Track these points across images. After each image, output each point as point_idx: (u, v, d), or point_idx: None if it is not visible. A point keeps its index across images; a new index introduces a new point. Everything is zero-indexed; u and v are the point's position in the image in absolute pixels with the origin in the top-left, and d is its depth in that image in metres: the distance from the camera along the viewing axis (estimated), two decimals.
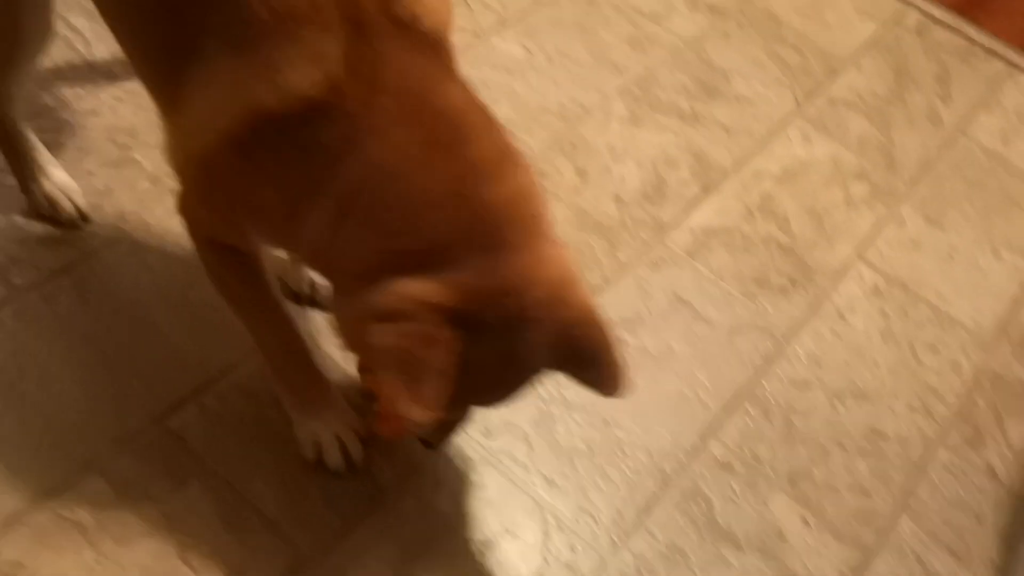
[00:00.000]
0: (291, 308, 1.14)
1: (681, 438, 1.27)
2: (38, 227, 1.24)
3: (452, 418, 1.05)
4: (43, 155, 1.24)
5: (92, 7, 1.07)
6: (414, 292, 0.86)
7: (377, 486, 1.13)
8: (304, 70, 0.87)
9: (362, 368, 1.16)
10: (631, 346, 1.34)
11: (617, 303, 1.39)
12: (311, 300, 1.24)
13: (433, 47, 0.94)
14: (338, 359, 1.20)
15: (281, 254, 1.13)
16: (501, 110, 1.58)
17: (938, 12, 1.99)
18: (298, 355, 1.09)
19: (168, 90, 0.99)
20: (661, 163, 1.59)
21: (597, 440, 1.24)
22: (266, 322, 1.08)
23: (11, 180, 1.25)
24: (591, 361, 0.95)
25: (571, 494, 1.18)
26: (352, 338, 0.96)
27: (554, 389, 1.27)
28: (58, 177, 1.24)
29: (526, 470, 1.19)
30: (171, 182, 1.32)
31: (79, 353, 1.14)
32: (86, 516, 1.02)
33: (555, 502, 1.17)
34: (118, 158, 1.34)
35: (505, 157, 0.94)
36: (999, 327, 1.52)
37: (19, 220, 1.24)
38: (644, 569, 1.14)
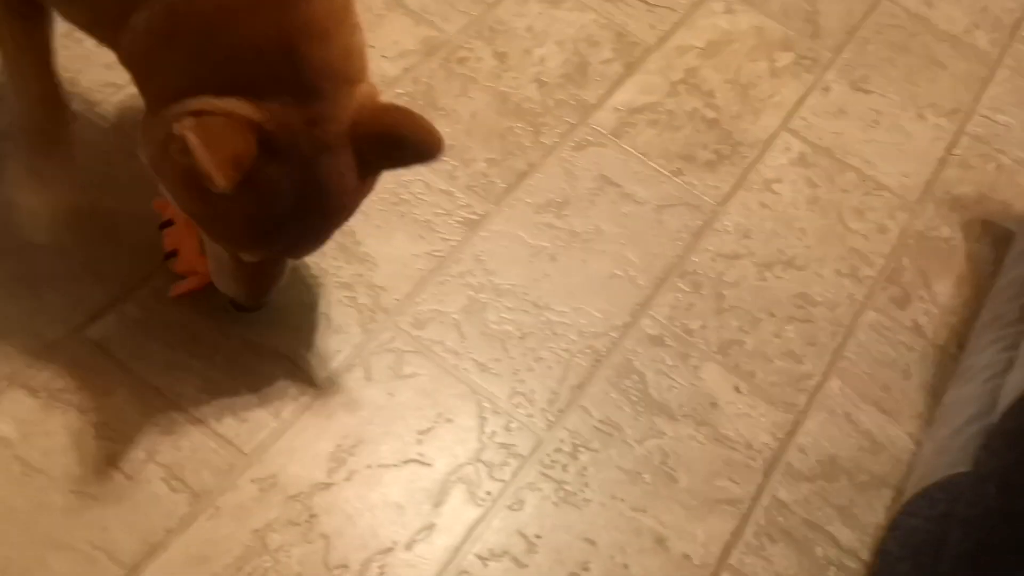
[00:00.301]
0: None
1: (613, 316, 1.28)
2: None
3: (263, 267, 1.04)
4: None
5: None
6: (221, 103, 0.89)
7: (310, 384, 1.12)
8: None
9: (163, 225, 1.15)
10: (559, 229, 1.34)
11: (543, 186, 1.37)
12: None
13: None
14: None
15: None
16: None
17: None
18: (51, 131, 1.08)
19: None
20: (582, 43, 1.56)
21: (528, 324, 1.24)
22: (27, 78, 1.08)
23: None
24: (400, 140, 0.97)
25: (505, 378, 1.19)
26: (153, 149, 0.97)
27: (484, 277, 1.26)
28: None
29: (459, 357, 1.19)
30: (72, 89, 1.27)
31: None
32: (10, 430, 1.01)
33: (489, 386, 1.18)
34: None
35: (338, 20, 0.94)
36: (924, 189, 1.54)
37: None
38: (580, 444, 1.16)
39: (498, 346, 1.21)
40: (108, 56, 1.33)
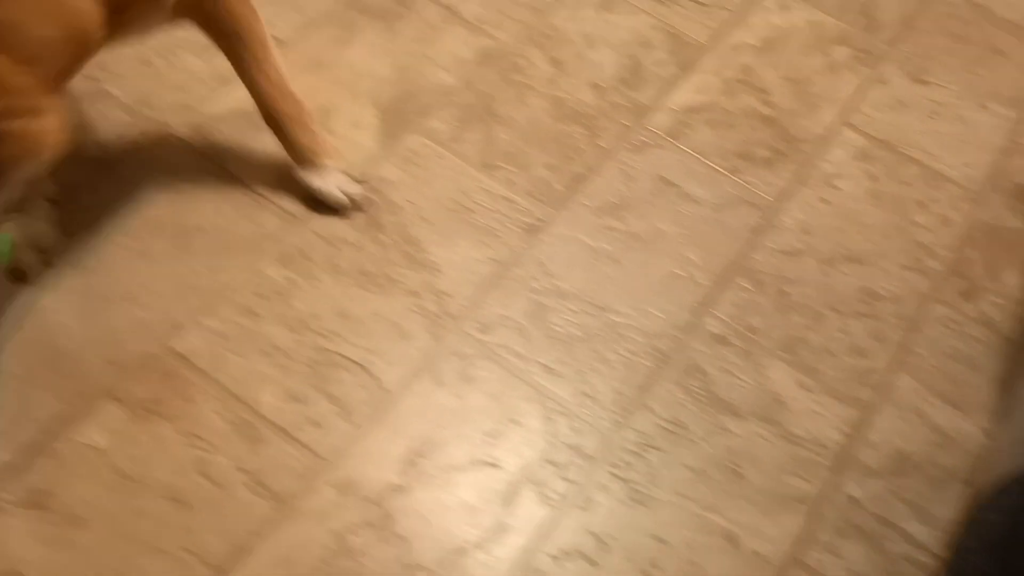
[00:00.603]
0: None
1: (675, 316, 1.29)
2: None
3: None
4: None
5: None
6: None
7: (383, 389, 1.16)
8: None
9: None
10: (619, 231, 1.35)
11: (602, 189, 1.39)
12: None
13: None
14: None
15: None
16: (470, 7, 1.57)
17: None
18: None
19: None
20: (636, 45, 1.57)
21: (592, 326, 1.26)
22: None
23: None
24: None
25: (570, 379, 1.21)
26: None
27: (546, 280, 1.28)
28: None
29: (524, 360, 1.21)
30: (147, 111, 1.32)
31: (75, 285, 1.16)
32: (103, 440, 1.06)
33: (555, 388, 1.20)
34: (91, 91, 1.33)
35: None
36: (988, 179, 1.52)
37: None
38: (646, 444, 1.17)
39: (563, 348, 1.23)
40: (179, 77, 1.38)
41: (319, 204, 1.28)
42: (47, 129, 0.96)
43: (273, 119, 1.25)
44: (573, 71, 1.52)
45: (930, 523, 1.16)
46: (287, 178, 1.30)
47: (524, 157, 1.40)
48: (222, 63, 1.40)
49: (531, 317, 1.25)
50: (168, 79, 1.36)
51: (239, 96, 1.36)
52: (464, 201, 1.34)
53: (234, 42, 1.19)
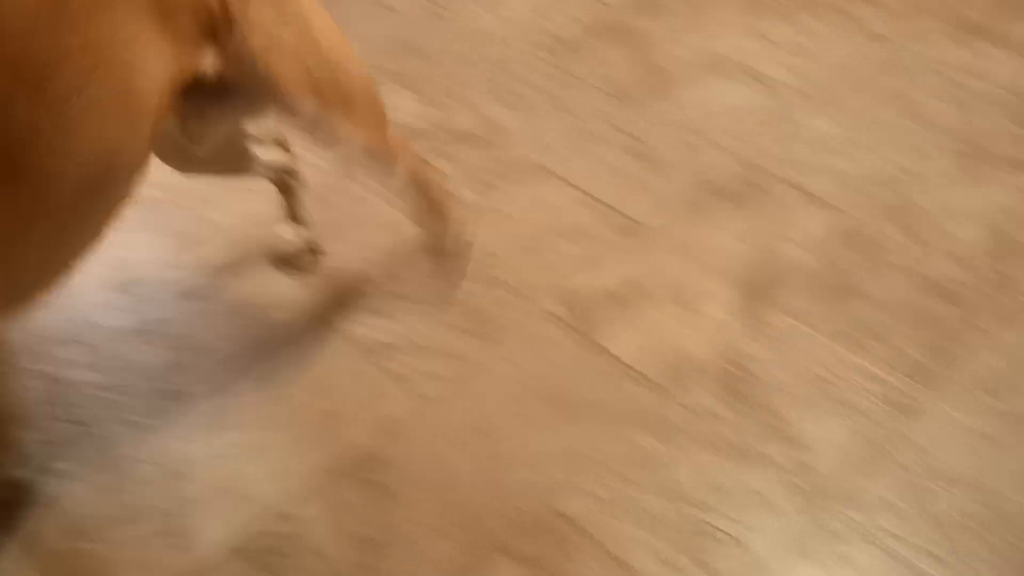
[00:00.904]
0: None
1: None
2: (429, 337, 1.44)
3: None
4: None
5: None
6: None
7: (755, 562, 1.16)
8: None
9: None
10: (999, 410, 1.28)
11: (977, 369, 1.34)
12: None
13: None
14: None
15: None
16: (823, 187, 1.62)
17: None
18: None
19: None
20: (1001, 216, 1.53)
21: (978, 512, 1.19)
22: None
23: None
24: None
25: (957, 569, 1.14)
26: None
27: (922, 461, 1.24)
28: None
29: (904, 544, 1.17)
30: (526, 291, 1.49)
31: (472, 445, 1.31)
32: None
33: None
34: (481, 275, 1.53)
35: None
36: None
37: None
38: None
39: (945, 533, 1.17)
40: (553, 259, 1.52)
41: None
42: None
43: None
44: (934, 244, 1.50)
45: None
46: (652, 351, 1.39)
47: (888, 332, 1.39)
48: (591, 246, 1.55)
49: (907, 498, 1.21)
50: (544, 261, 1.53)
51: (606, 277, 1.50)
52: (827, 376, 1.35)
53: None
